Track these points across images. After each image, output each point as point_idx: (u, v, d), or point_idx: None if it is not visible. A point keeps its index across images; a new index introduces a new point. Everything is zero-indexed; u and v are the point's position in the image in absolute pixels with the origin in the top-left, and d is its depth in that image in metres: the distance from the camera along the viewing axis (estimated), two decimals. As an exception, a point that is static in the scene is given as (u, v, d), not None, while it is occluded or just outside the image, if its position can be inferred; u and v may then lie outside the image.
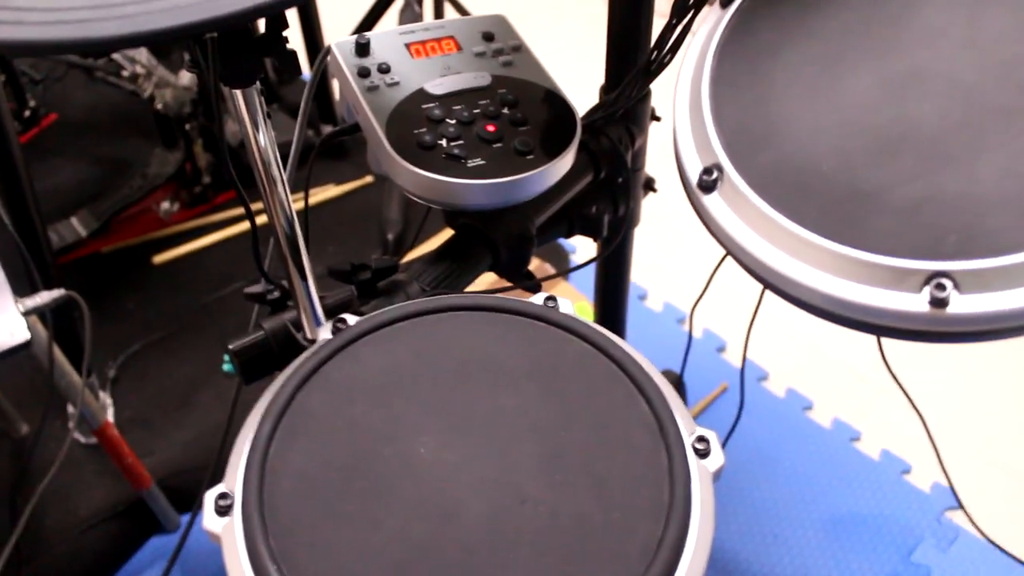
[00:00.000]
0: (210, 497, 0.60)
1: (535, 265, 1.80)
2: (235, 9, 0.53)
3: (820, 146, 0.58)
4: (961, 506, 1.61)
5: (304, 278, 0.85)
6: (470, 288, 0.97)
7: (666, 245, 2.11)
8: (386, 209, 2.15)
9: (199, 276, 2.09)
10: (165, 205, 2.25)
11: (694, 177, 0.62)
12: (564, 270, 1.00)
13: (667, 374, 1.77)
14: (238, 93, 0.73)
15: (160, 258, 2.12)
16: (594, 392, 0.65)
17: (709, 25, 0.69)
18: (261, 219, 0.79)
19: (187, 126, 2.15)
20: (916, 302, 0.52)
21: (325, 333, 0.71)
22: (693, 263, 2.11)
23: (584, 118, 1.04)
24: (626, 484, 0.60)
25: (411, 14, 2.13)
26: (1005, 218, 0.52)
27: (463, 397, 0.65)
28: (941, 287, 0.51)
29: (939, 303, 0.51)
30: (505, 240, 0.93)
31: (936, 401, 1.86)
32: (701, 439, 0.62)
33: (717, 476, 0.62)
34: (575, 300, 1.77)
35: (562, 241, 2.05)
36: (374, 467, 0.61)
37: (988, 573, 1.57)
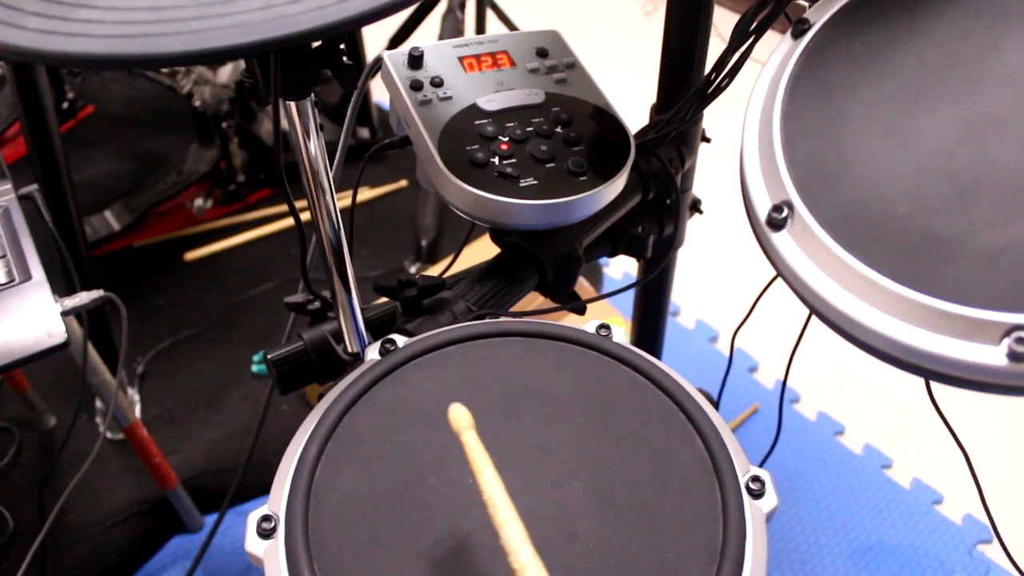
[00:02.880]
0: (253, 519, 0.59)
1: (570, 278, 1.79)
2: (302, 28, 0.52)
3: (895, 188, 0.57)
4: (998, 537, 1.58)
5: (348, 290, 0.84)
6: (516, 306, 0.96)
7: (701, 262, 2.09)
8: (421, 215, 2.14)
9: (230, 275, 2.09)
10: (199, 202, 2.25)
11: (763, 214, 0.60)
12: (608, 292, 0.99)
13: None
14: (292, 105, 0.72)
15: (192, 255, 2.12)
16: (648, 426, 0.63)
17: (780, 56, 0.68)
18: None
19: (224, 124, 2.15)
20: (994, 355, 0.50)
21: (373, 354, 0.70)
22: (727, 281, 2.09)
23: (636, 138, 1.03)
24: (679, 523, 0.58)
25: (453, 20, 2.12)
26: (1089, 272, 0.50)
27: (513, 426, 0.64)
28: (1021, 340, 0.49)
29: (1018, 357, 0.49)
30: (552, 260, 0.92)
31: (970, 430, 1.83)
32: (756, 479, 0.61)
33: (770, 517, 0.61)
34: (609, 316, 1.75)
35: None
36: (421, 495, 0.60)
37: (1020, 610, 1.54)
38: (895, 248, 0.54)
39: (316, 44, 0.68)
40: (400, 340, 0.71)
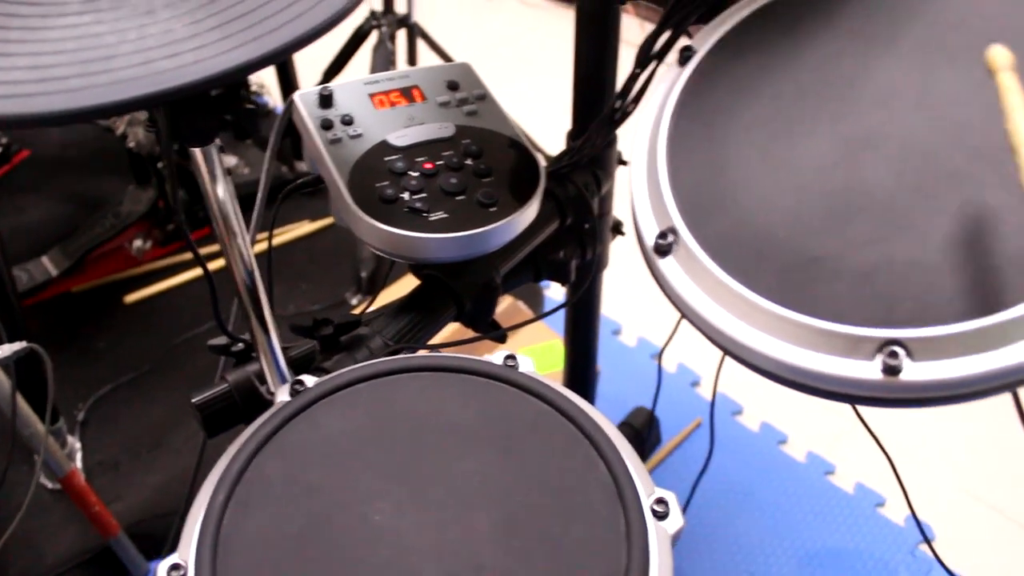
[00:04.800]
0: (163, 569, 0.59)
1: (508, 304, 1.80)
2: (179, 83, 0.52)
3: (775, 211, 0.58)
4: (927, 539, 1.61)
5: (267, 331, 0.84)
6: (437, 337, 0.97)
7: (639, 281, 2.11)
8: (360, 247, 2.14)
9: (171, 315, 2.08)
10: (138, 243, 2.24)
11: (650, 240, 0.61)
12: (531, 319, 1.01)
13: (640, 411, 1.77)
14: (197, 151, 0.73)
15: (131, 297, 2.11)
16: (552, 454, 0.64)
17: (666, 84, 0.69)
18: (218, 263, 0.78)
19: (159, 164, 2.14)
20: (869, 370, 0.52)
21: (284, 395, 0.70)
22: (665, 300, 2.11)
23: (550, 165, 1.04)
24: (584, 549, 0.59)
25: (384, 52, 2.13)
26: (956, 285, 0.52)
27: (420, 461, 0.64)
28: (894, 355, 0.51)
29: (892, 371, 0.51)
30: (469, 291, 0.93)
31: (909, 433, 1.86)
32: (660, 501, 0.62)
33: (676, 538, 0.62)
34: (547, 339, 1.76)
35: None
36: (329, 535, 0.60)
37: (963, 608, 1.57)
38: (775, 270, 0.56)
39: (215, 92, 0.68)
40: (309, 380, 0.71)
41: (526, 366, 0.71)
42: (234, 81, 0.61)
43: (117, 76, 0.53)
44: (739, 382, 1.95)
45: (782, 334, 0.54)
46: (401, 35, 2.21)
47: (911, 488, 1.73)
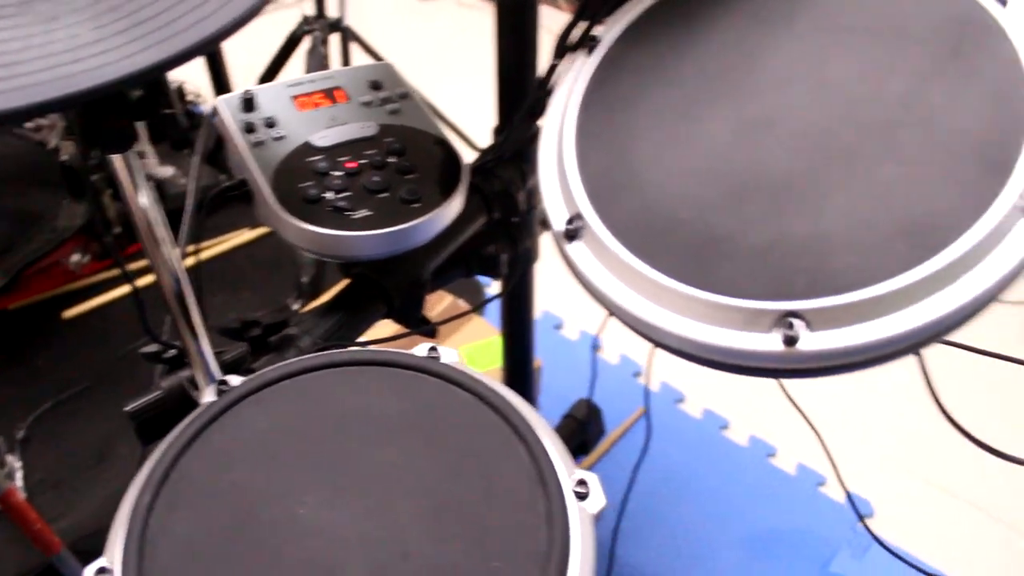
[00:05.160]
0: (90, 572, 0.59)
1: (448, 302, 1.81)
2: (86, 87, 0.53)
3: (677, 192, 0.60)
4: (860, 517, 1.65)
5: (195, 336, 0.85)
6: (369, 334, 0.97)
7: (580, 273, 2.13)
8: (299, 252, 2.14)
9: (112, 329, 2.06)
10: (75, 257, 2.21)
11: (559, 226, 0.63)
12: (461, 313, 1.03)
13: (582, 403, 1.78)
14: (116, 157, 0.73)
15: (70, 312, 2.09)
16: (475, 442, 0.65)
17: (574, 74, 0.71)
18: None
19: (94, 177, 2.12)
20: (769, 341, 0.54)
21: (209, 396, 0.71)
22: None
23: (476, 161, 1.05)
24: (506, 533, 0.60)
25: (318, 56, 2.13)
26: (849, 257, 0.54)
27: (345, 454, 0.65)
28: (791, 326, 0.53)
29: (790, 341, 0.53)
30: (397, 287, 0.94)
31: (848, 413, 1.90)
32: (581, 482, 0.63)
33: (599, 517, 0.63)
34: (488, 335, 1.77)
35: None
36: (256, 531, 0.61)
37: (902, 578, 1.61)
38: (678, 250, 0.57)
39: (132, 96, 0.69)
40: (235, 380, 0.72)
41: (449, 357, 0.72)
42: (139, 84, 0.62)
43: (22, 82, 0.53)
44: (681, 371, 1.98)
45: (687, 311, 0.56)
46: (335, 39, 2.22)
47: (852, 466, 1.78)
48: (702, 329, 0.56)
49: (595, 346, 1.17)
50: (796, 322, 0.53)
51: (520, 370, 1.51)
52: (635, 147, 0.63)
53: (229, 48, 2.42)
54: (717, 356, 0.56)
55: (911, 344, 0.54)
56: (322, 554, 0.59)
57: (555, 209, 0.64)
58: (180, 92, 2.39)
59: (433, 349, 0.72)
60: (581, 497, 0.63)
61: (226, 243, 2.29)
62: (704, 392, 1.94)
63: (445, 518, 0.61)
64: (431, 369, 0.70)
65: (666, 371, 1.97)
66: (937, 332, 0.54)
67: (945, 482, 1.78)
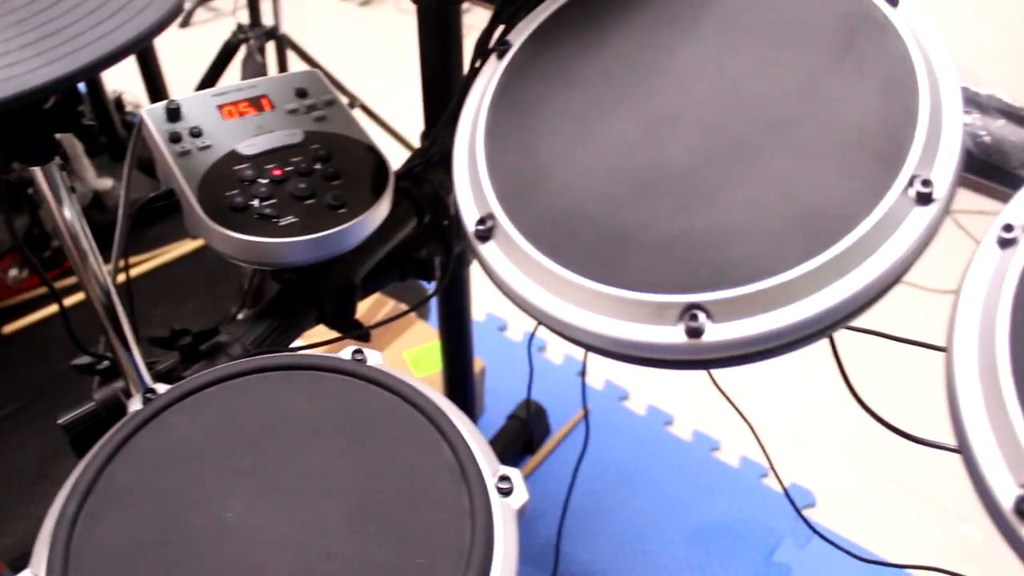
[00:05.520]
0: (14, 584, 0.60)
1: (390, 306, 1.82)
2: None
3: (584, 190, 0.61)
4: (794, 506, 1.68)
5: (127, 347, 0.85)
6: (306, 339, 0.98)
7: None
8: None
9: (52, 344, 2.04)
10: (13, 272, 2.19)
11: (471, 227, 0.64)
12: (392, 317, 1.04)
13: (527, 403, 1.80)
14: (36, 170, 0.73)
15: (9, 328, 2.06)
16: (399, 442, 0.66)
17: (485, 77, 0.72)
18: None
19: (29, 190, 2.10)
20: (674, 334, 0.55)
21: (136, 405, 0.71)
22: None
23: (403, 166, 1.06)
24: (429, 530, 0.61)
25: (253, 64, 2.12)
26: (749, 249, 0.55)
27: (270, 458, 0.66)
28: (695, 318, 0.54)
29: (695, 333, 0.54)
30: (328, 292, 0.94)
31: (787, 405, 1.93)
32: (504, 478, 0.64)
33: (522, 512, 0.64)
34: (432, 339, 1.78)
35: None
36: (181, 536, 0.61)
37: (844, 567, 1.64)
38: (585, 247, 0.59)
39: (48, 106, 0.69)
40: (161, 388, 0.72)
41: (374, 360, 0.73)
42: (47, 96, 0.62)
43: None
44: (624, 369, 2.00)
45: (595, 307, 0.58)
46: (272, 47, 2.22)
47: (794, 457, 1.81)
48: (611, 324, 0.57)
49: (530, 344, 1.18)
50: (700, 314, 0.54)
51: (460, 371, 1.53)
52: (543, 147, 0.65)
53: (167, 58, 2.41)
54: (626, 350, 0.57)
55: (813, 332, 0.55)
56: (247, 556, 0.60)
57: (467, 210, 0.66)
58: (119, 103, 2.38)
59: (358, 352, 0.73)
60: (504, 493, 0.64)
61: (168, 254, 2.27)
62: (648, 389, 1.96)
63: (369, 517, 0.62)
64: (355, 372, 0.71)
65: (610, 369, 2.00)
66: (837, 320, 0.55)
67: (885, 470, 1.82)
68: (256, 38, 2.13)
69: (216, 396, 0.71)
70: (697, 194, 0.59)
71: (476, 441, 0.67)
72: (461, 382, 1.54)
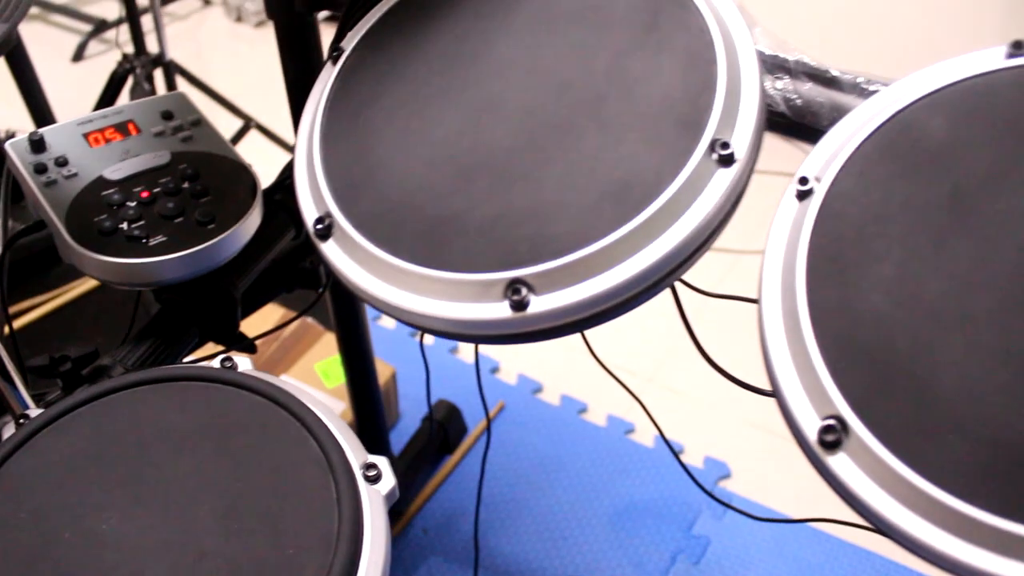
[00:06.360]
0: None
1: (299, 321, 1.83)
2: None
3: (412, 181, 0.65)
4: (696, 482, 1.73)
5: (9, 379, 0.86)
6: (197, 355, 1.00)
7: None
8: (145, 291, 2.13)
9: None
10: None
11: (311, 227, 0.67)
12: (274, 328, 1.07)
13: (441, 404, 1.83)
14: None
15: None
16: (267, 441, 0.69)
17: (321, 82, 0.75)
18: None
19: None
20: (500, 310, 0.58)
21: (8, 431, 0.73)
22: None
23: (277, 178, 1.09)
24: (300, 520, 0.64)
25: (141, 92, 2.12)
26: (563, 223, 0.59)
27: (144, 469, 0.68)
28: (518, 292, 0.58)
29: (519, 306, 0.58)
30: (207, 308, 0.96)
31: (698, 382, 1.98)
32: (370, 466, 0.67)
33: (391, 498, 0.67)
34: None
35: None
36: (58, 553, 0.63)
37: (760, 531, 1.69)
38: (415, 235, 0.62)
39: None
40: (34, 413, 0.73)
41: (244, 365, 0.76)
42: None
43: None
44: (537, 361, 2.04)
45: (428, 291, 0.61)
46: (160, 74, 2.22)
47: (707, 432, 1.86)
48: (444, 306, 0.60)
49: (421, 342, 1.21)
50: (522, 288, 0.58)
51: (362, 375, 1.54)
52: (374, 144, 0.68)
53: (62, 92, 2.39)
54: (461, 329, 0.61)
55: (632, 295, 0.59)
56: (124, 564, 0.62)
57: (307, 211, 0.68)
58: (9, 136, 2.35)
59: (227, 359, 0.75)
60: (372, 480, 0.67)
61: (72, 292, 2.26)
62: (559, 380, 2.00)
63: (240, 516, 0.64)
64: (224, 378, 0.73)
65: (523, 363, 2.03)
66: (653, 282, 0.59)
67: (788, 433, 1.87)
68: (142, 66, 2.13)
69: (88, 414, 0.72)
70: (516, 175, 0.62)
71: (343, 433, 0.70)
72: (365, 387, 1.56)
